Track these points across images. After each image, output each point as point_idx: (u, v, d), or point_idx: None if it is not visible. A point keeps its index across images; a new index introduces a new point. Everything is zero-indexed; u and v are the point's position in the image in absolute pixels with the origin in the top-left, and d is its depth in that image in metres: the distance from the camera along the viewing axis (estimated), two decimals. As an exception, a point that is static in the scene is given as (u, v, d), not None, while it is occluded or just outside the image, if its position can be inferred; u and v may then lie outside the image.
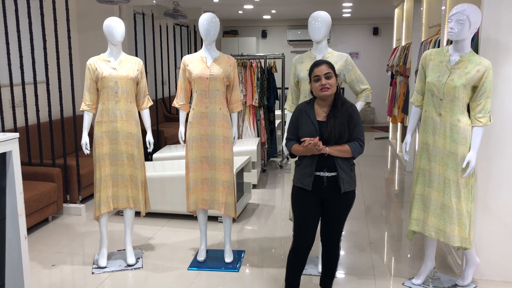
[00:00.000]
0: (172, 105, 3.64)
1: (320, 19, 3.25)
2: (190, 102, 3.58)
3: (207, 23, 3.40)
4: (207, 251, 3.73)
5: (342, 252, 3.77)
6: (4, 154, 2.24)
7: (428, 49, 4.39)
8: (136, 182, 3.54)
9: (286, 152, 3.51)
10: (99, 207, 3.47)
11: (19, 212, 2.25)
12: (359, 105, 3.33)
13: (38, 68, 4.69)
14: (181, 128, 3.62)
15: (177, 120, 7.80)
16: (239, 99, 3.60)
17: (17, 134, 2.25)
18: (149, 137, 3.67)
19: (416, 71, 4.05)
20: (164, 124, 7.76)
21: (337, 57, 3.29)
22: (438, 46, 4.30)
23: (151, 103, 3.71)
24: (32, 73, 4.57)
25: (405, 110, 6.30)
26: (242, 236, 4.18)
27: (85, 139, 3.49)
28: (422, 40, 5.66)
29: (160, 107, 7.96)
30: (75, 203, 4.81)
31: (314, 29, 3.26)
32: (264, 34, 11.59)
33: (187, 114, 3.58)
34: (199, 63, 3.42)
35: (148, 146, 3.67)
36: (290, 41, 11.26)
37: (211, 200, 3.51)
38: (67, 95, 5.12)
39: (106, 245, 3.57)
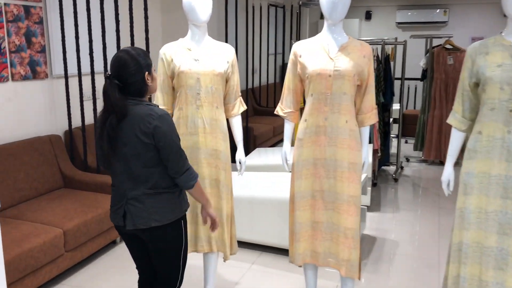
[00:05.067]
0: (275, 112, 2.58)
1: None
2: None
3: (333, -7, 2.27)
4: (315, 317, 2.66)
5: None
6: None
7: None
8: (220, 217, 2.55)
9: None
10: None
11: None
12: None
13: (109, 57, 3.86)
14: (286, 146, 2.55)
15: (268, 114, 6.81)
16: (374, 106, 2.44)
17: None
18: (240, 155, 2.65)
19: None
20: (253, 118, 6.76)
21: None
22: None
23: (244, 107, 2.68)
24: (103, 62, 3.75)
25: None
26: (358, 289, 3.06)
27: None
28: None
29: (249, 98, 6.97)
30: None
31: None
32: (368, 16, 10.14)
33: (294, 127, 2.50)
34: (319, 53, 2.32)
35: (238, 166, 2.66)
36: (399, 23, 9.72)
37: (326, 254, 2.42)
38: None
39: None
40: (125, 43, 3.67)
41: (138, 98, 1.93)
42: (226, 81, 2.58)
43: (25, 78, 3.61)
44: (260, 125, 6.39)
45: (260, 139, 6.11)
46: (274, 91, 7.59)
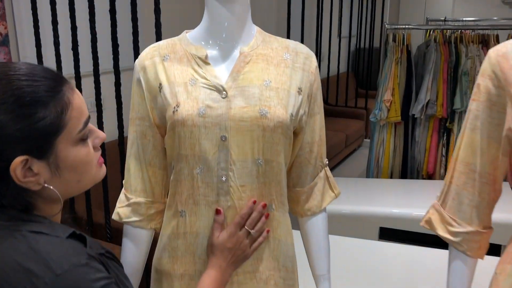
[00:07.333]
0: (422, 223, 1.13)
1: None
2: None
3: None
4: None
5: None
6: None
7: None
8: None
9: None
10: None
11: None
12: None
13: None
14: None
15: (338, 114, 5.34)
16: None
17: None
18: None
19: None
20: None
21: None
22: None
23: (335, 192, 1.15)
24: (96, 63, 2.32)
25: None
26: None
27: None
28: None
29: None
30: None
31: None
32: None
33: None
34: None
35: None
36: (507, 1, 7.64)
37: None
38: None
39: None
40: (124, 31, 2.21)
41: (18, 215, 0.72)
42: (295, 135, 1.06)
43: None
44: (329, 132, 4.76)
45: (329, 154, 4.54)
46: (346, 84, 5.94)
